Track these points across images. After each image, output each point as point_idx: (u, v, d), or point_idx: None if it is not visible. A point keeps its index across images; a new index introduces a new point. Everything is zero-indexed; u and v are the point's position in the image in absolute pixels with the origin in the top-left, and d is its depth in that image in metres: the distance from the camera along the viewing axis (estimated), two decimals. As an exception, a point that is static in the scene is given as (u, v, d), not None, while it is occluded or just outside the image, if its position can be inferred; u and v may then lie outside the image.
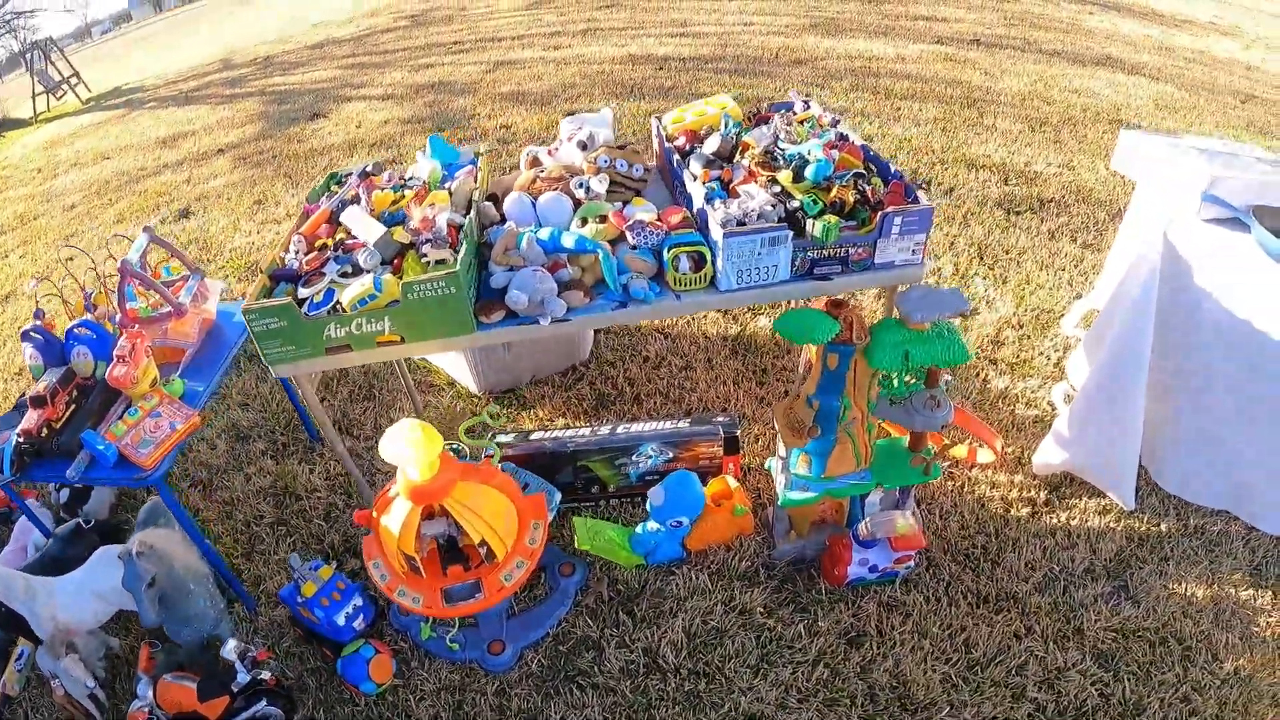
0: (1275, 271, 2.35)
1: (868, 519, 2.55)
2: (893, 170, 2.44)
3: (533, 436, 3.07)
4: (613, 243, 2.40)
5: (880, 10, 10.55)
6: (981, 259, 4.34)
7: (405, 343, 2.29)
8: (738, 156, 2.59)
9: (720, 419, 3.01)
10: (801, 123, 2.74)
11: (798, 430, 2.31)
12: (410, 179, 2.81)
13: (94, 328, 2.63)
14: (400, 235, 2.38)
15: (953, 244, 4.48)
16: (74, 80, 14.64)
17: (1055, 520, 2.87)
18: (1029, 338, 3.73)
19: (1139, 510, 2.88)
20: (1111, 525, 2.84)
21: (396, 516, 2.27)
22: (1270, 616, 2.54)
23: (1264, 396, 2.50)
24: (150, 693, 2.33)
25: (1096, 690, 2.35)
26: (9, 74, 15.71)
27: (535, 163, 2.82)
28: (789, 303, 2.93)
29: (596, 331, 3.97)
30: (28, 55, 14.27)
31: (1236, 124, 7.71)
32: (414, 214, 2.46)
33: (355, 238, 2.46)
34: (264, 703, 2.32)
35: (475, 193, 2.67)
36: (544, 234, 2.37)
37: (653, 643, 2.58)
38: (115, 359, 2.44)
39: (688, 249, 2.30)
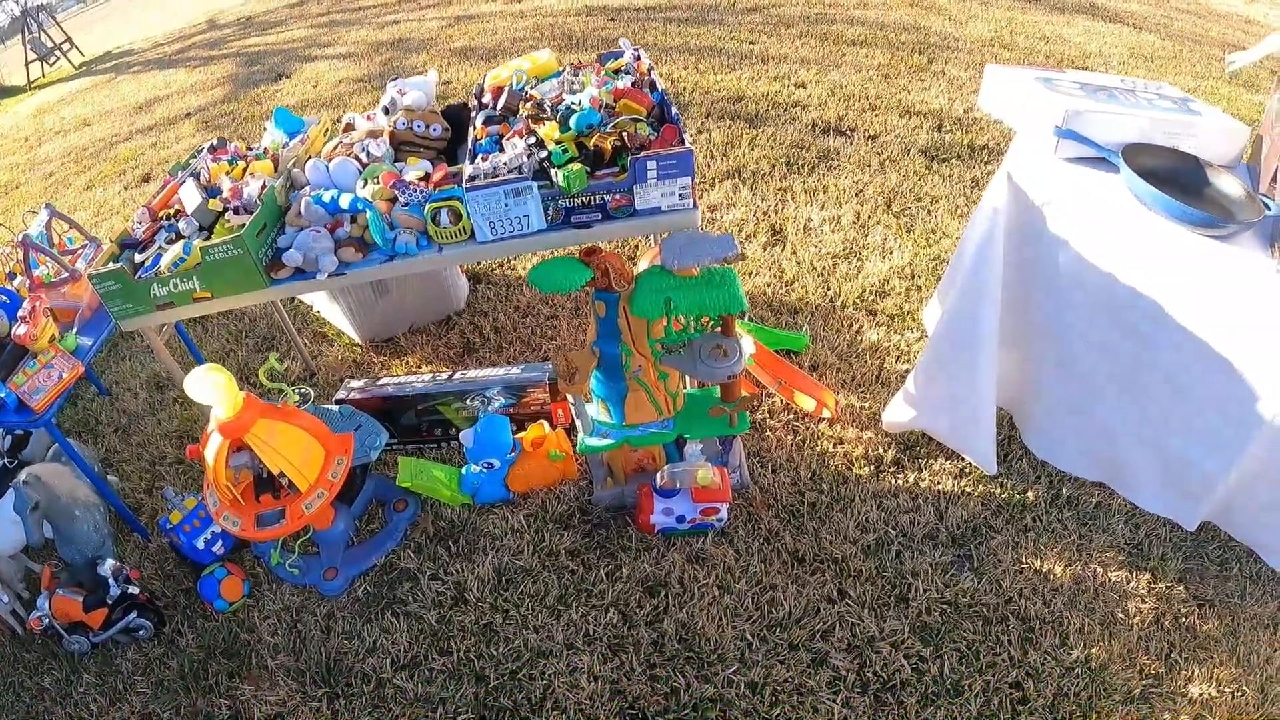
0: (1145, 219, 2.12)
1: (666, 468, 2.51)
2: (673, 114, 2.36)
3: (380, 382, 3.18)
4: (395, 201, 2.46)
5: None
6: (889, 207, 4.23)
7: (215, 298, 2.46)
8: (521, 110, 2.55)
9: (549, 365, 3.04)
10: (578, 71, 2.75)
11: (566, 377, 2.26)
12: (255, 149, 2.97)
13: (7, 293, 2.94)
14: (214, 205, 2.57)
15: (860, 191, 4.36)
16: (66, 46, 14.65)
17: (903, 481, 2.78)
18: (920, 289, 3.62)
19: (1004, 475, 2.76)
20: (967, 490, 2.73)
21: (210, 450, 2.45)
22: (1143, 601, 2.41)
23: (1133, 358, 2.27)
24: (47, 604, 2.62)
25: (910, 664, 2.26)
26: (10, 39, 15.65)
27: (349, 128, 2.87)
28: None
29: (474, 281, 4.02)
30: (26, 23, 14.27)
31: (1217, 75, 7.51)
32: (224, 184, 2.63)
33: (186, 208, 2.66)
34: (135, 614, 2.63)
35: (293, 160, 2.75)
36: (327, 196, 2.40)
37: (463, 577, 2.63)
38: (18, 319, 2.73)
39: (444, 204, 2.30)
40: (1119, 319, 2.24)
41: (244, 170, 2.72)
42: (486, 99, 2.77)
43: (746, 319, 3.40)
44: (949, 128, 5.12)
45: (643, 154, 2.17)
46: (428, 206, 2.32)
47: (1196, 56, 7.81)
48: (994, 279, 2.43)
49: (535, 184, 2.19)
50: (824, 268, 3.75)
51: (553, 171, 2.21)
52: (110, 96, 10.02)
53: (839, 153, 4.77)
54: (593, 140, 2.27)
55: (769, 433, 2.96)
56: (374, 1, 11.15)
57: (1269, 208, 2.08)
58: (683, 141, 2.22)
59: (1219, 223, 2.03)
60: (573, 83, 2.62)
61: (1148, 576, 2.47)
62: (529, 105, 2.52)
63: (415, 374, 3.34)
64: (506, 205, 2.22)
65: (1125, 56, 7.30)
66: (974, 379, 2.54)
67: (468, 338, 3.66)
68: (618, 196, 2.23)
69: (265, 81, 8.34)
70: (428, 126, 2.68)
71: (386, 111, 2.82)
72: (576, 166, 2.18)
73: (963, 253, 2.60)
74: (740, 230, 4.03)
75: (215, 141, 3.01)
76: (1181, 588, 2.45)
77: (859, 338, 3.36)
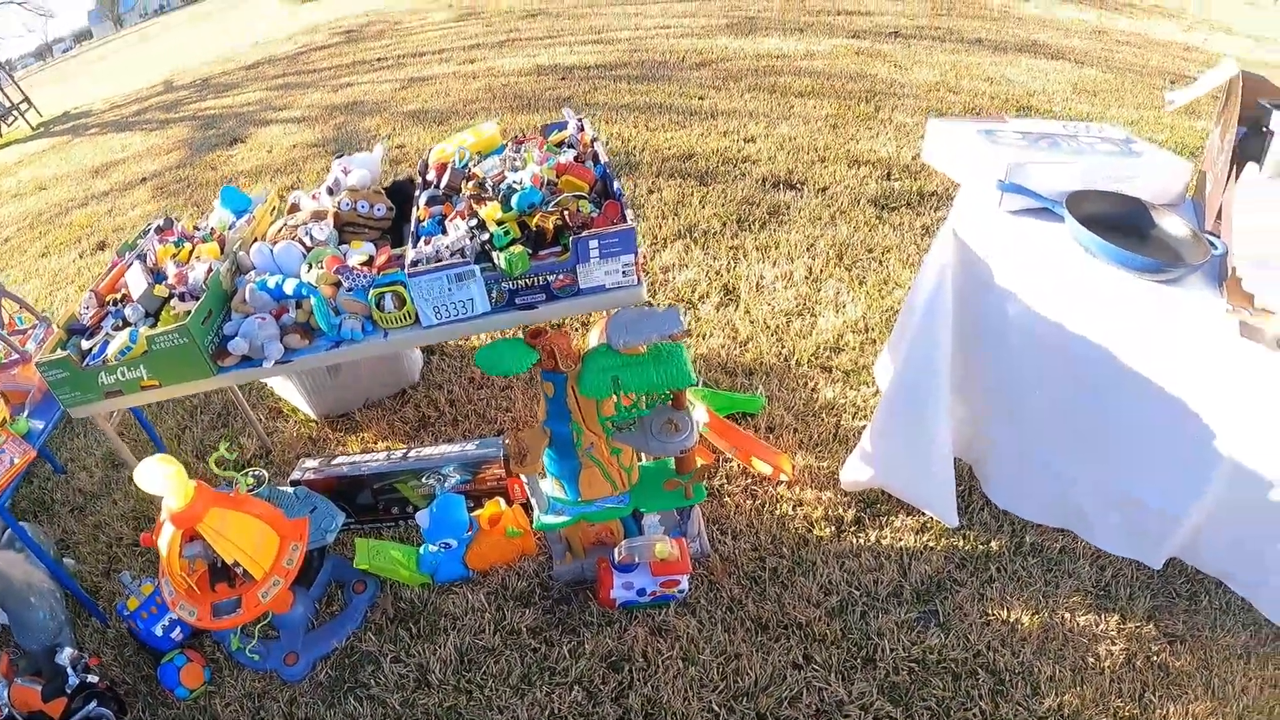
0: (1092, 268, 2.13)
1: (624, 543, 2.51)
2: (615, 189, 2.38)
3: (335, 461, 3.14)
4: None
5: (804, 7, 10.52)
6: (841, 260, 4.27)
7: (163, 386, 2.43)
8: (463, 189, 2.56)
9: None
10: (520, 147, 2.73)
11: (517, 459, 2.26)
12: (201, 229, 2.94)
13: (-45, 373, 2.95)
14: (160, 291, 2.53)
15: (812, 246, 4.40)
16: (24, 106, 14.60)
17: (864, 540, 2.77)
18: (875, 342, 3.65)
19: (966, 527, 2.75)
20: (930, 545, 2.73)
21: (163, 540, 2.44)
22: (1113, 643, 2.42)
23: (1089, 407, 2.30)
24: (5, 694, 2.58)
25: (880, 727, 2.25)
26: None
27: (294, 209, 2.86)
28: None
29: (428, 353, 4.00)
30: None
31: (1159, 105, 7.65)
32: (169, 270, 2.61)
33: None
34: (95, 704, 2.57)
35: (239, 243, 2.72)
36: (272, 282, 2.40)
37: (425, 659, 2.60)
38: (-34, 402, 2.73)
39: (388, 289, 2.30)
40: (1072, 369, 2.25)
41: (190, 253, 2.70)
42: (431, 175, 2.77)
43: (700, 384, 3.41)
44: (898, 175, 5.20)
45: (584, 233, 2.18)
46: (371, 292, 2.31)
47: (1139, 88, 7.96)
48: (944, 334, 2.44)
49: (478, 267, 2.19)
50: (777, 326, 3.78)
51: (495, 255, 2.21)
52: (66, 159, 10.01)
53: (790, 207, 4.83)
54: (535, 220, 2.28)
55: (728, 498, 2.96)
56: (328, 64, 11.22)
57: (1215, 247, 2.10)
58: (624, 218, 2.24)
59: (1166, 267, 2.05)
60: (514, 159, 2.62)
61: (1116, 617, 2.48)
62: (471, 184, 2.52)
63: (370, 451, 3.31)
64: (450, 290, 2.22)
65: (1068, 93, 7.43)
66: (929, 435, 2.54)
67: (423, 411, 3.64)
68: (561, 276, 2.23)
69: (220, 146, 8.33)
70: (371, 207, 2.67)
71: (331, 192, 2.82)
72: (518, 249, 2.19)
73: (911, 309, 2.63)
74: (693, 291, 4.06)
75: (162, 221, 2.99)
76: (1151, 626, 2.46)
77: (815, 396, 3.38)
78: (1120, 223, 2.22)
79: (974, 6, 11.24)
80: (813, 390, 3.41)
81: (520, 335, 2.20)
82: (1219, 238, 2.16)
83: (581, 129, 2.85)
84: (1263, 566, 2.28)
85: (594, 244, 2.18)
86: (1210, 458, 2.11)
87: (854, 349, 3.61)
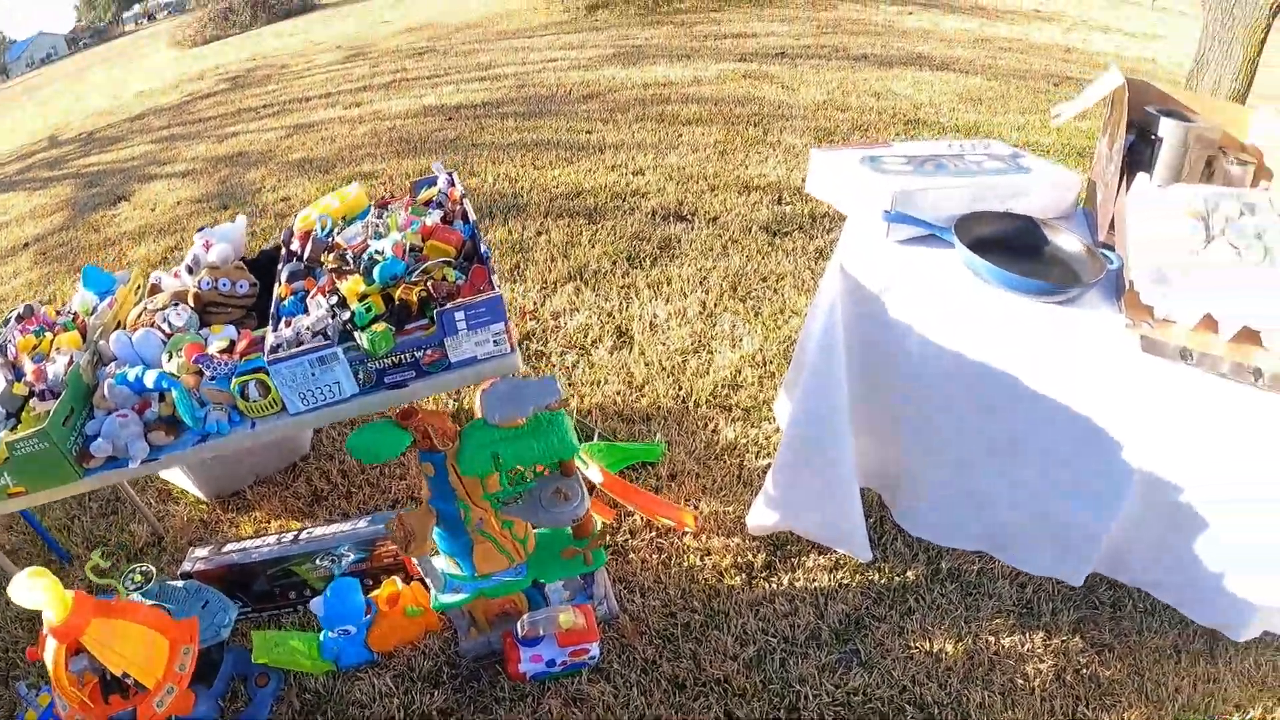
0: (987, 293, 2.10)
1: (526, 617, 2.44)
2: (483, 251, 2.32)
3: (226, 549, 2.99)
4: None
5: (690, 33, 10.60)
6: (735, 291, 4.27)
7: (29, 493, 2.29)
8: (325, 262, 2.45)
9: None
10: (385, 210, 2.66)
11: (402, 544, 2.18)
12: (64, 315, 2.79)
13: None
14: (19, 389, 2.39)
15: (705, 279, 4.40)
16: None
17: (777, 584, 2.73)
18: (774, 374, 3.64)
19: (880, 560, 2.74)
20: (845, 582, 2.70)
21: (48, 654, 2.29)
22: (1041, 661, 2.42)
23: (998, 431, 2.26)
24: None
25: (810, 777, 2.20)
26: None
27: (155, 290, 2.72)
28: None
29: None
30: None
31: (1044, 108, 7.84)
32: (26, 366, 2.46)
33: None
34: None
35: (100, 330, 2.58)
36: (132, 375, 2.28)
37: None
38: None
39: (251, 376, 2.18)
40: (976, 396, 2.23)
41: (51, 343, 2.56)
42: (295, 245, 2.65)
43: (597, 436, 3.36)
44: (789, 199, 5.23)
45: (449, 305, 2.10)
46: (234, 380, 2.19)
47: (1023, 92, 8.17)
48: (840, 372, 2.41)
49: (340, 349, 2.10)
50: (673, 366, 3.75)
51: (356, 334, 2.12)
52: (-53, 225, 9.60)
53: (680, 240, 4.82)
54: (398, 292, 2.19)
55: (633, 554, 2.91)
56: (214, 113, 10.96)
57: (1111, 261, 2.11)
58: (491, 285, 2.17)
59: (1060, 289, 2.05)
60: (377, 225, 2.53)
61: (1042, 634, 2.48)
62: (332, 256, 2.42)
63: (263, 534, 3.19)
64: (314, 374, 2.12)
65: (955, 103, 7.59)
66: (834, 472, 2.51)
67: (316, 485, 3.51)
68: (429, 352, 2.15)
69: (105, 205, 8.05)
70: (234, 284, 2.55)
71: (190, 270, 2.68)
72: (380, 328, 2.10)
73: (805, 348, 2.61)
74: (586, 336, 4.01)
75: (22, 309, 2.81)
76: (1078, 638, 2.47)
77: (715, 437, 3.35)
78: (1013, 242, 2.22)
79: (859, 23, 11.45)
80: (713, 431, 3.38)
81: (392, 417, 2.13)
82: (1114, 250, 2.18)
83: (452, 183, 2.77)
84: (1184, 572, 2.28)
85: (460, 316, 2.10)
86: (1124, 471, 2.12)
87: (753, 384, 3.60)
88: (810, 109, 7.12)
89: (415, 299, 2.17)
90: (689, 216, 5.11)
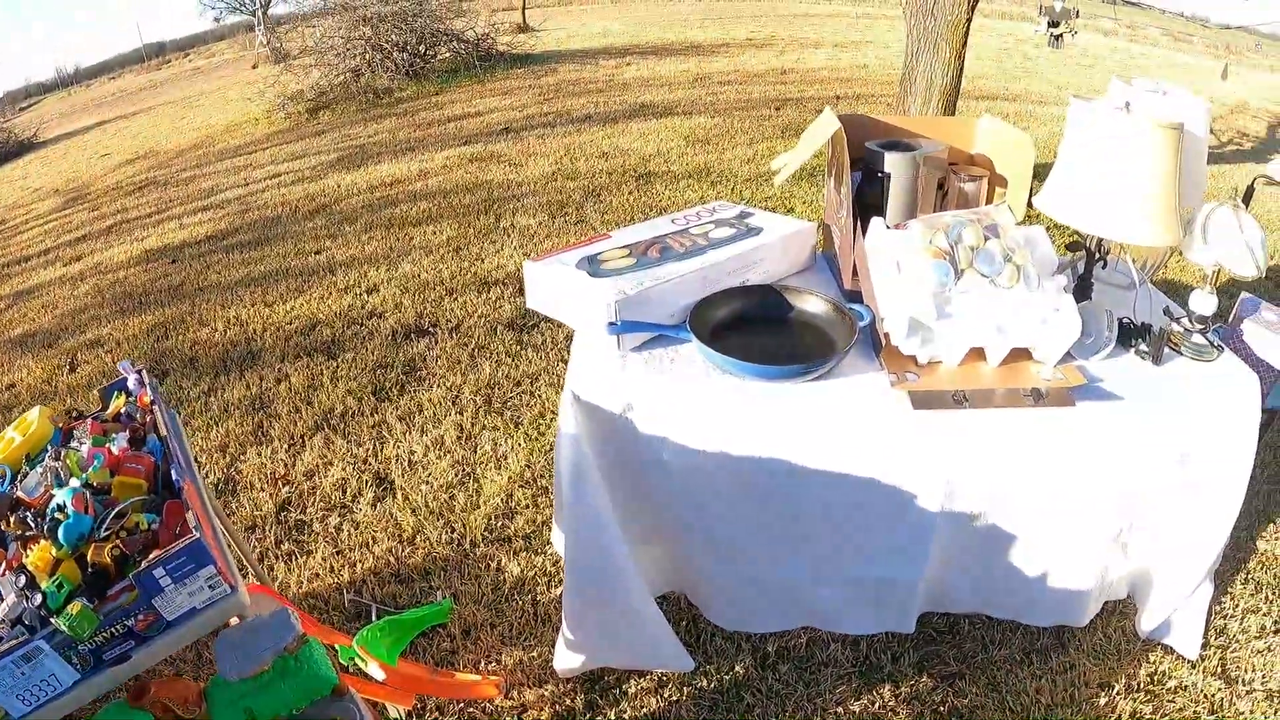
0: (734, 384, 2.03)
1: None
2: (174, 479, 2.00)
3: None
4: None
5: (414, 122, 10.40)
6: (490, 405, 4.05)
7: None
8: (8, 526, 2.05)
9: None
10: (67, 441, 2.26)
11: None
12: None
13: None
14: None
15: (456, 398, 4.14)
16: None
17: (603, 723, 2.51)
18: (546, 490, 3.42)
19: (704, 664, 2.57)
20: (674, 698, 2.50)
21: None
22: (895, 714, 2.36)
23: (785, 516, 2.19)
24: None
25: None
26: None
27: None
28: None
29: None
30: None
31: (770, 135, 8.01)
32: None
33: None
34: None
35: None
36: None
37: None
38: None
39: None
40: (752, 489, 2.14)
41: None
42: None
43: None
44: (530, 289, 5.05)
45: (144, 562, 1.79)
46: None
47: (748, 123, 8.36)
48: (600, 500, 2.22)
49: (44, 640, 1.74)
50: (441, 506, 3.47)
51: (53, 620, 1.78)
52: None
53: (426, 358, 4.56)
54: (90, 553, 1.85)
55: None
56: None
57: (861, 317, 2.10)
58: (187, 525, 1.87)
59: (811, 367, 2.02)
60: (57, 469, 2.17)
61: (889, 686, 2.42)
62: (14, 519, 2.03)
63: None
64: (23, 674, 1.77)
65: (683, 148, 7.68)
66: (624, 602, 2.34)
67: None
68: (141, 617, 1.82)
69: None
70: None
71: None
72: (77, 608, 1.73)
73: (559, 486, 2.41)
74: (344, 491, 3.67)
75: None
76: (926, 677, 2.43)
77: (502, 577, 3.09)
78: (758, 317, 2.20)
79: (579, 83, 11.56)
80: (498, 571, 3.12)
81: (124, 700, 1.84)
82: (862, 303, 2.15)
83: (142, 383, 2.43)
84: (1011, 588, 2.31)
85: (159, 572, 1.78)
86: (923, 523, 2.12)
87: (527, 506, 3.38)
88: (540, 182, 7.04)
89: (109, 559, 1.83)
90: (431, 329, 4.85)
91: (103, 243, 8.87)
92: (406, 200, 7.21)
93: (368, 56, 13.56)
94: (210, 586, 1.87)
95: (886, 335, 2.07)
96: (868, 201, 2.48)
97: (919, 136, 2.64)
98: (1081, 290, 2.34)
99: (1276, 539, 3.05)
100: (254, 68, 22.22)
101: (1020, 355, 2.13)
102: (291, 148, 10.49)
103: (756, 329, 2.16)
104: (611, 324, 2.08)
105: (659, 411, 2.09)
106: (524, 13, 20.52)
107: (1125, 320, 2.25)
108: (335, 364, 4.65)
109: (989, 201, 2.56)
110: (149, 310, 6.21)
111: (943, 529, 2.16)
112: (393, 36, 13.68)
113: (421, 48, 14.09)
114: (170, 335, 5.40)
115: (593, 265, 2.28)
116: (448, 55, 14.58)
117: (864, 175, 2.51)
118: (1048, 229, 2.29)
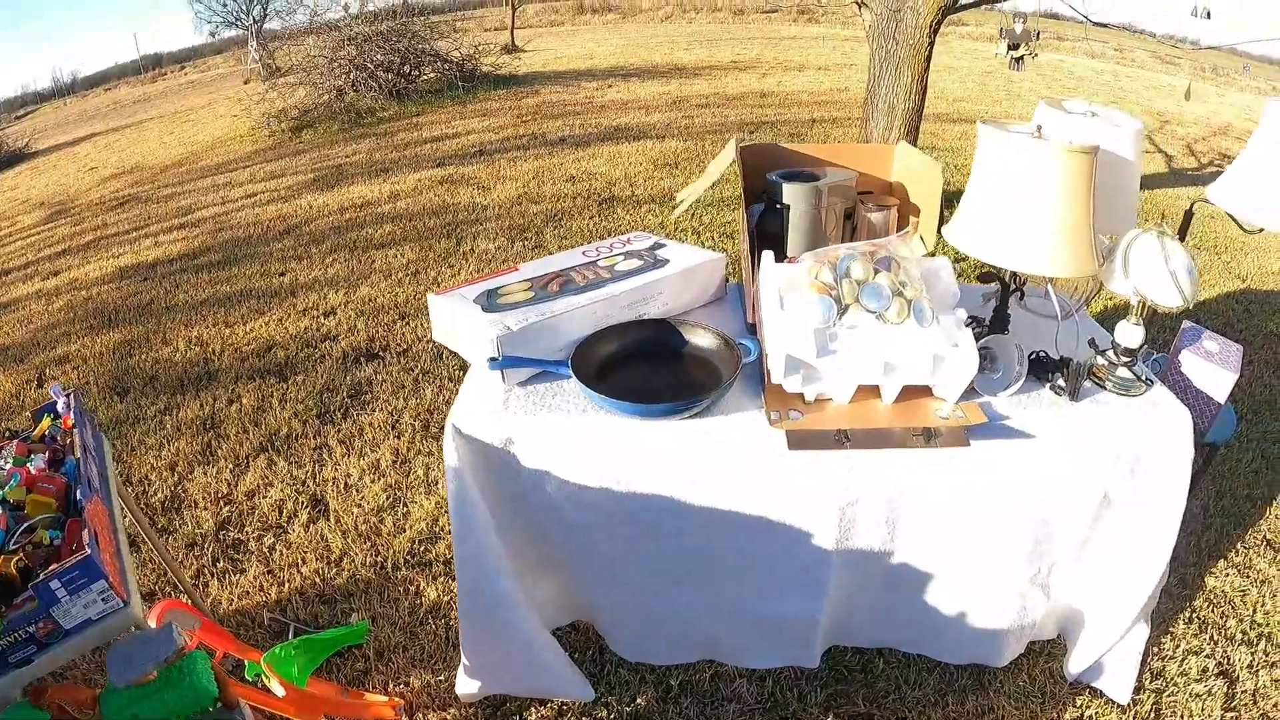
0: (614, 419, 2.03)
1: None
2: (78, 499, 2.14)
3: None
4: None
5: (392, 143, 10.50)
6: (427, 430, 4.16)
7: None
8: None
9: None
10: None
11: None
12: None
13: None
14: None
15: (396, 423, 4.26)
16: None
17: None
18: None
19: (605, 694, 2.61)
20: None
21: None
22: None
23: (678, 550, 2.20)
24: None
25: None
26: None
27: None
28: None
29: None
30: None
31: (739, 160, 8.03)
32: None
33: None
34: None
35: None
36: None
37: None
38: None
39: None
40: (640, 524, 2.15)
41: None
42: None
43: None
44: (487, 311, 5.15)
45: (42, 575, 1.91)
46: None
47: (719, 147, 8.38)
48: (486, 535, 2.24)
49: None
50: (369, 529, 3.59)
51: None
52: None
53: (372, 382, 4.67)
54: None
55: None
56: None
57: (749, 352, 2.09)
58: (82, 543, 2.00)
59: (687, 405, 2.00)
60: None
61: None
62: None
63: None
64: None
65: (650, 172, 7.76)
66: (516, 634, 2.37)
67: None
68: (42, 624, 1.95)
69: None
70: None
71: None
72: None
73: (451, 514, 2.49)
74: (280, 513, 3.78)
75: None
76: (832, 717, 2.43)
77: (419, 601, 3.20)
78: (651, 351, 2.20)
79: (558, 105, 11.65)
80: (416, 595, 3.23)
81: (25, 699, 1.95)
82: (754, 337, 2.15)
83: (69, 409, 2.55)
84: (921, 623, 2.29)
85: (56, 584, 1.92)
86: (818, 559, 2.10)
87: (449, 531, 3.46)
88: (505, 206, 7.14)
89: (14, 571, 1.97)
90: (380, 353, 4.97)
91: (80, 258, 8.96)
92: (373, 222, 7.32)
93: (352, 76, 13.69)
94: (104, 600, 2.01)
95: (768, 373, 2.06)
96: (771, 233, 2.46)
97: (832, 165, 2.62)
98: (998, 322, 2.26)
99: (1227, 576, 3.01)
100: (246, 83, 22.33)
101: (921, 392, 2.07)
102: (270, 166, 10.59)
103: (647, 364, 2.16)
104: (492, 359, 2.10)
105: (540, 445, 2.10)
106: (513, 33, 20.66)
107: (1040, 354, 2.17)
108: (285, 386, 4.77)
109: (898, 230, 2.54)
110: (117, 328, 6.32)
111: (840, 565, 2.15)
112: (377, 56, 13.81)
113: (406, 68, 14.22)
114: (134, 353, 5.52)
115: (489, 299, 2.27)
116: (432, 76, 14.71)
117: (766, 206, 2.49)
118: (962, 260, 2.25)
